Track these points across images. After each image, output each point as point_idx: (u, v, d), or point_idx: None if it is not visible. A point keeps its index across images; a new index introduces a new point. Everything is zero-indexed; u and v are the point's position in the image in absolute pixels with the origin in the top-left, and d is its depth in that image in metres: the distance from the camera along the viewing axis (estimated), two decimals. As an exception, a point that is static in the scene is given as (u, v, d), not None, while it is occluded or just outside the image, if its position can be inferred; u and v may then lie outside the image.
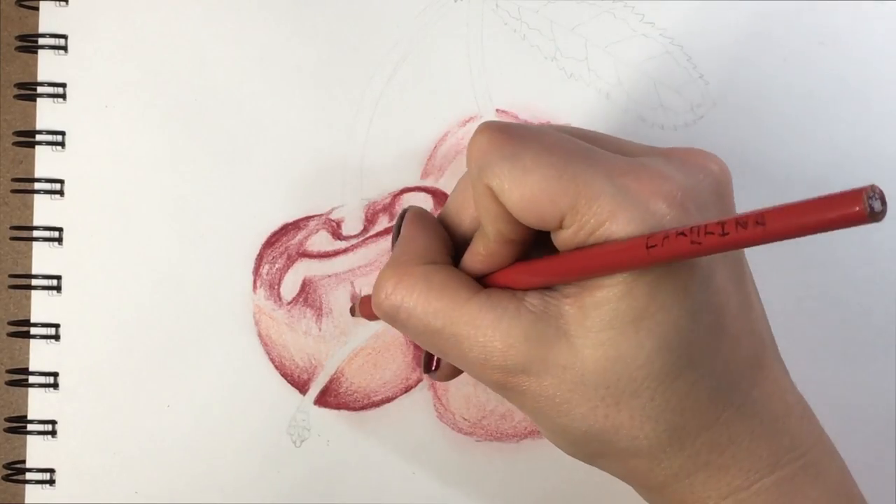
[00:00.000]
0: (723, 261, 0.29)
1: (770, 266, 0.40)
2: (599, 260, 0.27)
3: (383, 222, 0.40)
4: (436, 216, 0.33)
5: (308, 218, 0.40)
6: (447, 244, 0.32)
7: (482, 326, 0.29)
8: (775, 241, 0.21)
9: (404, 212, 0.34)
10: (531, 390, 0.29)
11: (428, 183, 0.40)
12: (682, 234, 0.23)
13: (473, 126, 0.40)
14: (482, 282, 0.31)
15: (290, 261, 0.40)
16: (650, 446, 0.29)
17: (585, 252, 0.27)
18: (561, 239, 0.28)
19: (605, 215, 0.26)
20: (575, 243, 0.27)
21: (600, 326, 0.28)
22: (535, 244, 0.30)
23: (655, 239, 0.24)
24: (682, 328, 0.27)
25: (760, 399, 0.29)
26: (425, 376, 0.34)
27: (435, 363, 0.34)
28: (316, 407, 0.40)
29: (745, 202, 0.40)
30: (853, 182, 0.40)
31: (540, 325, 0.28)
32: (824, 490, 0.30)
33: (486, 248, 0.30)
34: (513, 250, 0.30)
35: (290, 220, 0.40)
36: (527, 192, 0.27)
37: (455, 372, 0.34)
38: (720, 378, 0.28)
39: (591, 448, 0.30)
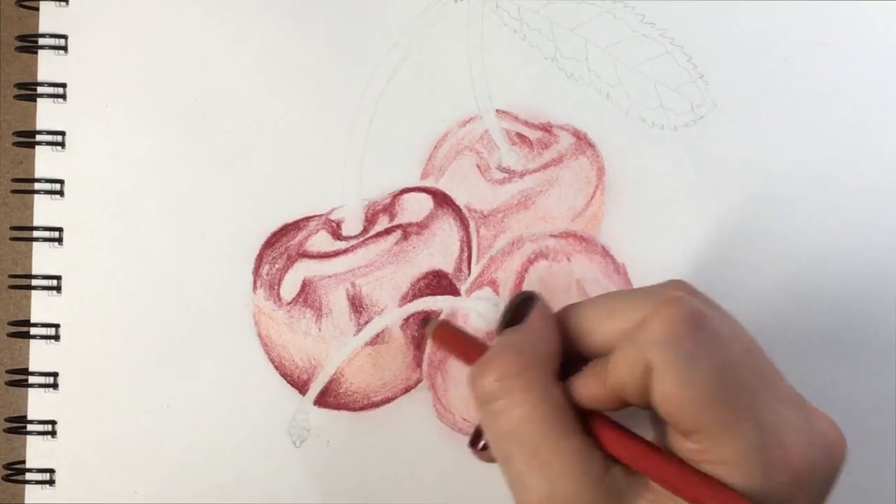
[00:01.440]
0: None
1: (770, 265, 0.40)
2: (701, 494, 0.27)
3: (383, 222, 0.40)
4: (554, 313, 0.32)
5: (308, 218, 0.40)
6: (560, 352, 0.31)
7: (565, 466, 0.28)
8: None
9: (524, 295, 0.32)
10: None
11: (428, 183, 0.40)
12: None
13: (473, 126, 0.40)
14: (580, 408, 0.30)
15: (290, 261, 0.40)
16: None
17: (694, 478, 0.27)
18: (679, 443, 0.28)
19: (730, 458, 0.26)
20: (688, 457, 0.27)
21: None
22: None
23: None
24: None
25: None
26: (470, 449, 0.33)
27: (482, 444, 0.33)
28: (316, 407, 0.40)
29: (746, 201, 0.40)
30: (853, 181, 0.40)
31: (613, 500, 0.28)
32: None
33: (594, 392, 0.29)
34: (617, 406, 0.29)
35: (290, 220, 0.40)
36: (683, 396, 0.27)
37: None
38: None
39: None
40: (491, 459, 0.32)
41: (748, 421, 0.27)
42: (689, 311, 0.28)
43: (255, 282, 0.40)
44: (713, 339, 0.28)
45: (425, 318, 0.39)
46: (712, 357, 0.27)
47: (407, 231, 0.40)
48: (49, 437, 0.40)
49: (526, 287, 0.40)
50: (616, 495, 0.28)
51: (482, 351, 0.32)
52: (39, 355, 0.40)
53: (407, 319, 0.40)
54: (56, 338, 0.40)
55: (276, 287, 0.40)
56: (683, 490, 0.27)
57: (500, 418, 0.29)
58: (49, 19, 0.40)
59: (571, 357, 0.31)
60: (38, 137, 0.40)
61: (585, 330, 0.31)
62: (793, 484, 0.27)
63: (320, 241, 0.40)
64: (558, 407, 0.29)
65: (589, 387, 0.30)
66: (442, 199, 0.40)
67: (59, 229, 0.40)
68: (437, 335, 0.35)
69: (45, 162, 0.40)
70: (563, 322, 0.32)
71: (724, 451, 0.27)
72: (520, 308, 0.32)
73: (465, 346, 0.34)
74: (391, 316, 0.40)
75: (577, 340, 0.31)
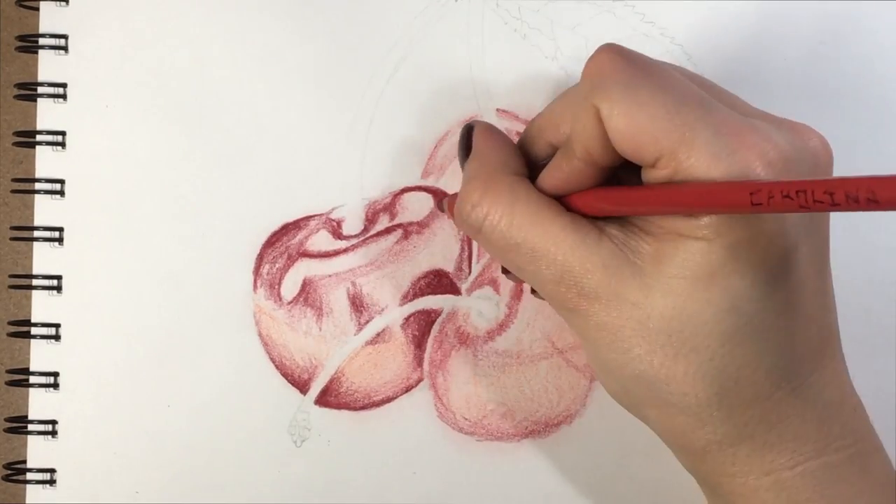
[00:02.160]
0: (808, 240, 0.29)
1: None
2: (696, 195, 0.26)
3: (384, 222, 0.40)
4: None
5: (308, 217, 0.40)
6: (520, 157, 0.33)
7: (563, 246, 0.29)
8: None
9: (469, 127, 0.34)
10: (597, 318, 0.29)
11: (429, 182, 0.40)
12: (789, 196, 0.23)
13: (474, 125, 0.40)
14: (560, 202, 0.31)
15: (291, 260, 0.40)
16: (698, 406, 0.29)
17: (684, 187, 0.27)
18: (650, 176, 0.28)
19: (703, 168, 0.26)
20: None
21: (674, 273, 0.28)
22: (612, 175, 0.30)
23: (760, 196, 0.23)
24: (754, 298, 0.27)
25: (817, 385, 0.29)
26: (503, 276, 0.35)
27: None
28: (316, 407, 0.40)
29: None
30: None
31: (619, 257, 0.29)
32: (868, 483, 0.30)
33: (569, 166, 0.30)
34: (594, 175, 0.30)
35: (291, 219, 0.40)
36: (633, 124, 0.27)
37: None
38: (783, 356, 0.28)
39: (638, 394, 0.30)
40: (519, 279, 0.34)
41: (704, 127, 0.27)
42: (615, 50, 0.29)
43: (255, 281, 0.40)
44: (647, 66, 0.29)
45: (440, 202, 0.40)
46: (651, 79, 0.28)
47: (407, 230, 0.40)
48: (50, 436, 0.40)
49: (526, 288, 0.40)
50: (619, 253, 0.29)
51: None
52: (40, 355, 0.40)
53: (408, 318, 0.40)
54: (57, 338, 0.40)
55: (276, 286, 0.40)
56: (679, 203, 0.27)
57: (492, 238, 0.31)
58: (49, 19, 0.40)
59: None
60: (39, 137, 0.40)
61: (538, 133, 0.33)
62: (773, 175, 0.27)
63: (321, 240, 0.40)
64: (532, 200, 0.30)
65: (561, 168, 0.30)
66: (442, 198, 0.40)
67: (60, 229, 0.40)
68: (451, 207, 0.37)
69: (46, 162, 0.40)
70: (524, 138, 0.33)
71: (692, 164, 0.27)
72: (468, 141, 0.34)
73: None
74: (392, 315, 0.40)
75: (538, 145, 0.33)
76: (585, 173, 0.30)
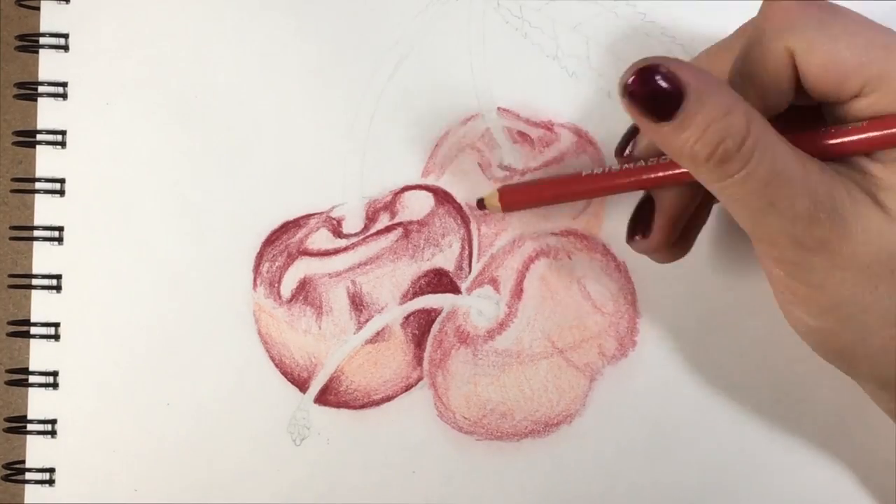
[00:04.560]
0: None
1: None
2: None
3: (384, 220, 0.40)
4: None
5: (308, 216, 0.40)
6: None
7: (820, 175, 0.29)
8: None
9: (658, 68, 0.28)
10: (845, 251, 0.29)
11: (429, 181, 0.40)
12: None
13: (475, 124, 0.40)
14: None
15: (291, 259, 0.40)
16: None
17: None
18: (856, 108, 0.29)
19: None
20: (873, 112, 0.28)
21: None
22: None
23: None
24: None
25: None
26: (631, 245, 0.34)
27: (641, 233, 0.34)
28: (316, 405, 0.40)
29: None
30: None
31: (857, 188, 0.29)
32: None
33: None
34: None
35: (291, 217, 0.40)
36: (832, 58, 0.28)
37: (665, 243, 0.34)
38: None
39: (875, 341, 0.30)
40: (660, 243, 0.34)
41: None
42: None
43: (255, 279, 0.40)
44: (830, 5, 0.30)
45: (480, 200, 0.39)
46: (836, 15, 0.29)
47: (408, 229, 0.40)
48: (49, 436, 0.40)
49: (526, 287, 0.40)
50: (856, 185, 0.29)
51: (560, 184, 0.36)
52: (39, 354, 0.40)
53: (407, 317, 0.40)
54: (56, 337, 0.40)
55: (276, 285, 0.40)
56: None
57: (757, 173, 0.28)
58: (50, 18, 0.40)
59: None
60: (39, 136, 0.40)
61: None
62: None
63: (321, 238, 0.40)
64: (780, 134, 0.29)
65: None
66: (443, 197, 0.40)
67: (60, 228, 0.40)
68: (504, 198, 0.37)
69: (46, 161, 0.40)
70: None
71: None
72: (663, 83, 0.29)
73: (539, 191, 0.38)
74: (392, 314, 0.40)
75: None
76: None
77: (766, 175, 0.28)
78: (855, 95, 0.29)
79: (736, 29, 0.34)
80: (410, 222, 0.40)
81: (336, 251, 0.40)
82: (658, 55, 0.28)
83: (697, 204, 0.35)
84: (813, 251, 0.29)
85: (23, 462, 0.40)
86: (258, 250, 0.40)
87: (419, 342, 0.40)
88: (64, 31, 0.40)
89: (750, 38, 0.31)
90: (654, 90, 0.28)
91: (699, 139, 0.28)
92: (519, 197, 0.38)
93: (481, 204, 0.39)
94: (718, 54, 0.33)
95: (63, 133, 0.40)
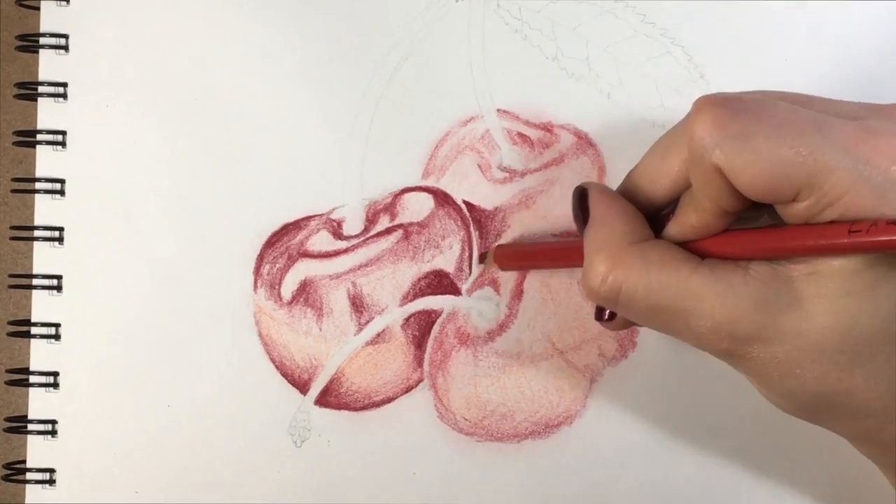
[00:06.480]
0: None
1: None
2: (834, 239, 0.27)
3: (384, 222, 0.40)
4: (616, 189, 0.33)
5: (308, 218, 0.40)
6: (642, 218, 0.32)
7: (709, 299, 0.29)
8: None
9: (581, 190, 0.33)
10: (760, 357, 0.29)
11: (429, 183, 0.40)
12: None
13: (474, 126, 0.40)
14: (694, 251, 0.31)
15: (291, 261, 0.40)
16: (884, 407, 0.29)
17: (826, 228, 0.27)
18: (792, 211, 0.28)
19: (845, 187, 0.27)
20: (808, 216, 0.28)
21: (837, 294, 0.28)
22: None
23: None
24: None
25: None
26: (600, 324, 0.35)
27: (608, 313, 0.34)
28: (317, 407, 0.40)
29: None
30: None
31: (770, 292, 0.29)
32: None
33: (700, 221, 0.30)
34: (727, 220, 0.30)
35: (291, 219, 0.40)
36: (760, 171, 0.27)
37: (628, 324, 0.34)
38: None
39: (818, 411, 0.30)
40: (619, 326, 0.34)
41: (831, 147, 0.27)
42: (714, 103, 0.29)
43: (255, 281, 0.40)
44: (750, 109, 0.28)
45: (482, 254, 0.40)
46: (760, 121, 0.28)
47: (408, 230, 0.40)
48: (49, 436, 0.40)
49: (526, 288, 0.40)
50: (768, 288, 0.29)
51: (551, 252, 0.37)
52: (40, 355, 0.40)
53: (408, 319, 0.40)
54: (57, 337, 0.40)
55: (276, 287, 0.40)
56: (831, 247, 0.28)
57: (632, 305, 0.30)
58: (50, 18, 0.40)
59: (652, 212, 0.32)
60: (39, 137, 0.40)
61: (650, 185, 0.32)
62: None
63: (321, 240, 0.40)
64: (666, 261, 0.30)
65: (689, 222, 0.31)
66: (443, 199, 0.40)
67: (60, 229, 0.40)
68: (498, 257, 0.38)
69: (46, 161, 0.40)
70: (629, 191, 0.33)
71: (833, 186, 0.27)
72: (583, 204, 0.33)
73: (532, 255, 0.39)
74: (392, 315, 0.40)
75: (651, 197, 0.32)
76: (719, 223, 0.30)
77: (642, 309, 0.30)
78: (791, 200, 0.28)
79: (671, 130, 0.32)
80: (411, 224, 0.40)
81: (336, 253, 0.40)
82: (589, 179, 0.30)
83: None
84: (730, 356, 0.30)
85: (23, 462, 0.40)
86: (259, 252, 0.40)
87: (419, 344, 0.40)
88: (64, 32, 0.40)
89: (680, 145, 0.31)
90: (579, 210, 0.33)
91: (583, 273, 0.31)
92: (514, 260, 0.39)
93: (482, 258, 0.40)
94: (666, 158, 0.32)
95: (63, 133, 0.40)
